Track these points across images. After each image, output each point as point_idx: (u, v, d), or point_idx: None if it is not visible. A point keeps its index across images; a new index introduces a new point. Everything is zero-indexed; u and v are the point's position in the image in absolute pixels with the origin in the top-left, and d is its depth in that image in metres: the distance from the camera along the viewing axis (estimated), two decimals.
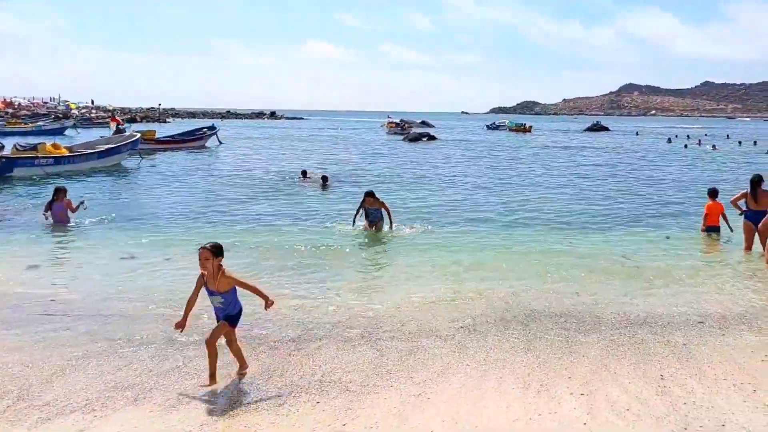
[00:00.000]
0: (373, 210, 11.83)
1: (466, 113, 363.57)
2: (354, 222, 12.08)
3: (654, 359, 5.62)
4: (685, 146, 45.64)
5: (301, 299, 7.58)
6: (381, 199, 12.07)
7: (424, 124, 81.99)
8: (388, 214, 11.95)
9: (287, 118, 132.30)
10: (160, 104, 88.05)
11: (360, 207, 11.96)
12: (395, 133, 62.35)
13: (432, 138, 51.30)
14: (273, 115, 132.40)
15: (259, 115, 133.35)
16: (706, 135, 62.85)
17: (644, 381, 5.11)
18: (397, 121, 76.29)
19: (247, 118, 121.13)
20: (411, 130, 60.50)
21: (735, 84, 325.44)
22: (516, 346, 5.97)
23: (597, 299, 7.73)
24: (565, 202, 17.07)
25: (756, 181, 10.52)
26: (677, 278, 8.86)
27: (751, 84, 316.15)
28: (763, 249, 10.32)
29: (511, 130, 76.25)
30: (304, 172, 20.84)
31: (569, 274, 9.04)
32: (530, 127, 76.49)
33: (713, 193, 11.92)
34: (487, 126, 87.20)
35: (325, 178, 19.39)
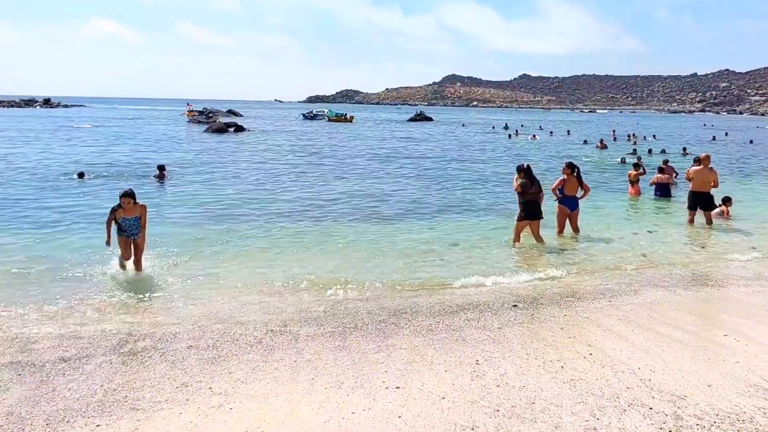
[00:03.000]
0: (130, 220, 8.97)
1: (280, 101, 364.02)
2: (108, 240, 9.00)
3: (470, 344, 6.18)
4: (509, 137, 50.84)
5: (80, 314, 7.18)
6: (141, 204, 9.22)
7: (231, 113, 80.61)
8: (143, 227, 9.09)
9: (66, 106, 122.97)
10: None
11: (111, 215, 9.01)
12: (198, 122, 60.57)
13: (240, 129, 50.42)
14: (47, 102, 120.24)
15: (29, 102, 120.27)
16: (522, 126, 71.66)
17: (460, 367, 5.59)
18: (200, 109, 74.26)
19: (8, 106, 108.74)
20: (216, 120, 58.97)
21: (550, 77, 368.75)
22: (330, 344, 6.17)
23: (415, 289, 8.37)
24: (384, 192, 17.93)
25: (572, 165, 12.08)
26: (494, 262, 9.89)
27: (564, 77, 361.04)
28: (574, 232, 11.99)
29: (330, 120, 78.02)
30: (81, 174, 19.27)
31: (385, 265, 9.67)
32: (351, 117, 79.02)
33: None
34: (304, 115, 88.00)
35: (161, 168, 19.77)
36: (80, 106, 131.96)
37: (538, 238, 11.22)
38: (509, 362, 5.74)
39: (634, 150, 33.58)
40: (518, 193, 11.28)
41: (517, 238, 11.30)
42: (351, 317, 7.06)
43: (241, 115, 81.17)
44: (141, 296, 7.90)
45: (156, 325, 6.81)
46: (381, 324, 6.82)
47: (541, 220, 11.26)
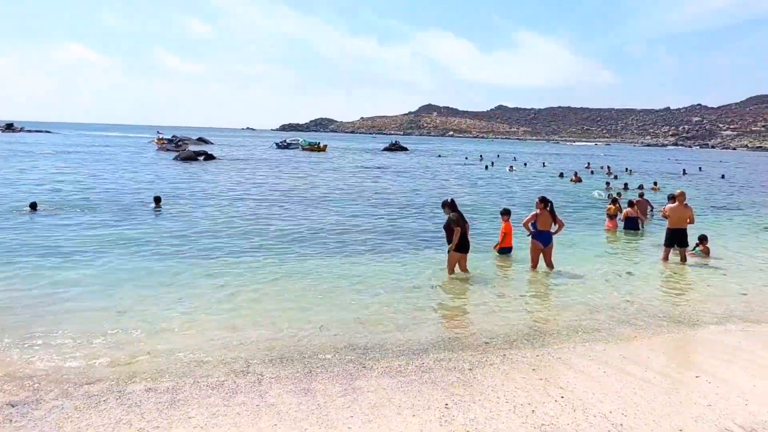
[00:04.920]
0: None
1: (252, 129, 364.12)
2: None
3: (439, 386, 6.13)
4: (486, 167, 51.54)
5: (30, 353, 6.95)
6: None
7: (201, 141, 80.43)
8: None
9: (29, 131, 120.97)
10: None
11: None
12: (167, 151, 60.32)
13: (210, 157, 50.20)
14: (9, 127, 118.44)
15: None
16: (498, 156, 72.69)
17: (428, 411, 5.54)
18: (169, 137, 74.12)
19: None
20: (186, 148, 58.69)
21: (526, 108, 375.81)
22: (294, 386, 6.08)
23: (382, 327, 8.29)
24: (354, 225, 17.84)
25: (546, 200, 12.24)
26: (464, 300, 9.91)
27: (540, 109, 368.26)
28: (548, 267, 12.09)
29: (304, 149, 78.16)
30: (33, 205, 18.65)
31: (354, 301, 9.59)
32: (325, 146, 79.30)
33: (506, 212, 13.80)
34: (277, 144, 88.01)
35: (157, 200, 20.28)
36: (45, 131, 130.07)
37: (453, 271, 11.43)
38: (479, 406, 5.70)
39: (607, 183, 34.10)
40: (448, 227, 11.46)
41: (451, 271, 11.46)
42: (317, 357, 6.99)
43: (212, 143, 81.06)
44: (94, 334, 7.69)
45: (113, 365, 6.65)
46: (348, 364, 6.75)
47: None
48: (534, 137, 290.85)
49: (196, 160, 48.04)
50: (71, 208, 19.27)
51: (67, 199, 21.63)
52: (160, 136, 77.45)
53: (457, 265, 11.43)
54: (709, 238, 14.71)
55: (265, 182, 31.83)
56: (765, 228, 20.01)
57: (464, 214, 11.72)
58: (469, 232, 11.83)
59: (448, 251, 11.42)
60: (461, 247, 11.31)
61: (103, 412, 5.43)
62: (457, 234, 11.21)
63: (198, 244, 13.97)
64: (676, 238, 13.53)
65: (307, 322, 8.38)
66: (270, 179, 33.88)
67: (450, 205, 11.47)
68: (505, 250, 13.55)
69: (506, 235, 13.57)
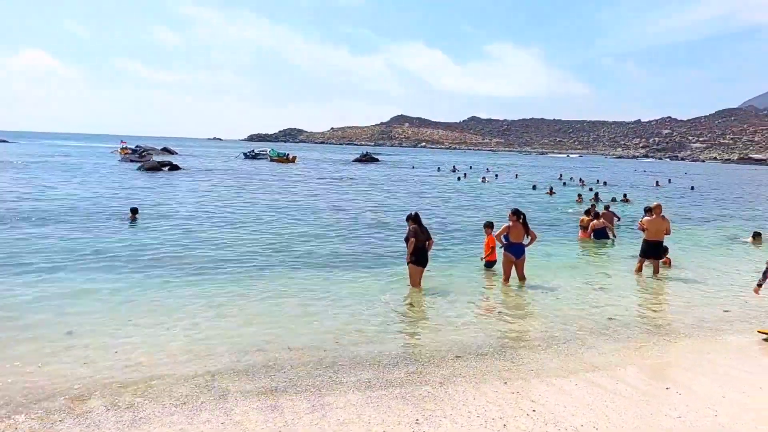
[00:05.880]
0: None
1: (220, 139, 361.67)
2: None
3: (410, 402, 6.13)
4: (459, 179, 51.90)
5: None
6: None
7: (166, 151, 79.70)
8: None
9: None
10: None
11: None
12: (130, 161, 59.72)
13: (175, 167, 49.67)
14: None
15: None
16: (471, 168, 73.38)
17: (399, 427, 5.54)
18: (133, 147, 73.37)
19: None
20: (151, 158, 58.05)
21: (499, 120, 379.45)
22: (261, 402, 6.03)
23: (351, 341, 8.26)
24: (324, 237, 17.76)
25: (518, 213, 12.36)
26: (435, 313, 9.91)
27: (512, 120, 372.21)
28: (520, 280, 12.20)
29: (272, 159, 77.78)
30: None
31: (323, 315, 9.56)
32: (294, 157, 79.03)
33: (489, 225, 13.90)
34: (245, 154, 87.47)
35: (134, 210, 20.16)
36: (3, 141, 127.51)
37: (417, 284, 11.53)
38: (450, 421, 5.71)
39: (579, 195, 34.55)
40: (407, 240, 11.55)
41: (415, 284, 11.55)
42: (285, 372, 6.93)
43: (177, 154, 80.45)
44: (50, 351, 7.51)
45: (70, 381, 6.50)
46: (317, 379, 6.71)
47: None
48: (507, 148, 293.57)
49: (161, 170, 47.48)
50: (26, 220, 18.90)
51: (21, 211, 21.18)
52: (124, 146, 76.72)
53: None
54: (670, 249, 14.99)
55: (230, 194, 31.48)
56: (733, 238, 20.47)
57: (429, 228, 11.89)
58: (433, 246, 11.99)
59: (407, 263, 11.58)
60: (418, 259, 11.44)
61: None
62: (409, 245, 11.38)
63: (159, 258, 13.76)
64: (651, 250, 13.83)
65: (274, 336, 8.32)
66: (236, 191, 33.55)
67: (413, 219, 11.63)
68: (490, 264, 13.61)
69: (493, 249, 13.64)
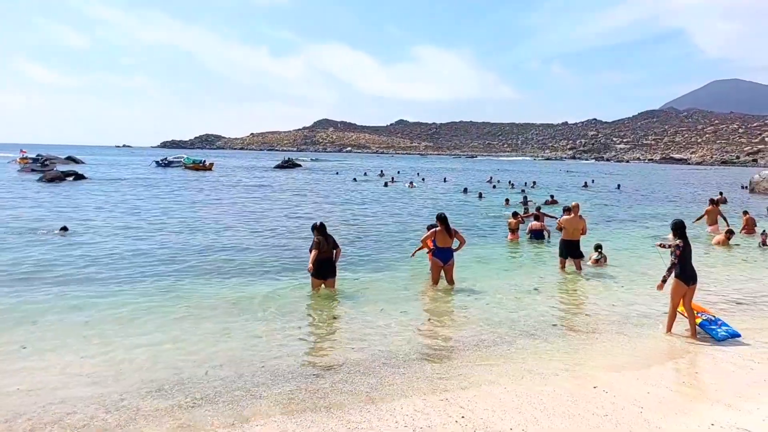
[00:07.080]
0: None
1: (129, 147, 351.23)
2: None
3: (335, 414, 6.09)
4: (386, 184, 52.02)
5: None
6: None
7: (70, 159, 76.93)
8: None
9: None
10: None
11: None
12: (32, 171, 57.13)
13: (80, 177, 47.90)
14: None
15: None
16: (399, 172, 74.26)
17: None
18: (34, 156, 70.55)
19: None
20: (54, 168, 55.80)
21: (427, 123, 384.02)
22: (174, 421, 5.86)
23: (272, 353, 8.15)
24: (241, 246, 17.47)
25: (444, 218, 12.54)
26: (361, 320, 9.91)
27: (441, 123, 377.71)
28: (449, 284, 12.38)
29: (187, 167, 76.05)
30: None
31: (240, 325, 9.44)
32: (211, 164, 77.53)
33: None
34: (157, 162, 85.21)
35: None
36: None
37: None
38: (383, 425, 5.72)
39: (507, 200, 35.29)
40: (312, 250, 11.68)
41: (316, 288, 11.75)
42: (201, 386, 6.76)
43: (83, 162, 77.91)
44: None
45: None
46: (235, 393, 6.58)
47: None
48: (436, 152, 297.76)
49: (64, 180, 45.65)
50: None
51: None
52: (24, 155, 73.82)
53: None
54: (603, 247, 15.66)
55: (139, 204, 30.44)
56: (654, 236, 21.44)
57: (336, 239, 12.14)
58: (340, 258, 12.21)
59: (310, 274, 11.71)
60: (317, 271, 11.56)
61: None
62: (312, 256, 11.50)
63: (61, 274, 13.17)
64: (570, 250, 14.41)
65: (189, 352, 8.10)
66: (145, 201, 32.53)
67: (318, 229, 11.74)
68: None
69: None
